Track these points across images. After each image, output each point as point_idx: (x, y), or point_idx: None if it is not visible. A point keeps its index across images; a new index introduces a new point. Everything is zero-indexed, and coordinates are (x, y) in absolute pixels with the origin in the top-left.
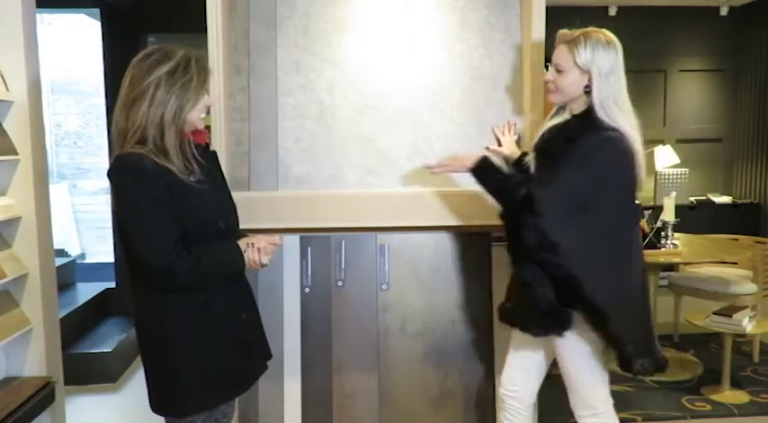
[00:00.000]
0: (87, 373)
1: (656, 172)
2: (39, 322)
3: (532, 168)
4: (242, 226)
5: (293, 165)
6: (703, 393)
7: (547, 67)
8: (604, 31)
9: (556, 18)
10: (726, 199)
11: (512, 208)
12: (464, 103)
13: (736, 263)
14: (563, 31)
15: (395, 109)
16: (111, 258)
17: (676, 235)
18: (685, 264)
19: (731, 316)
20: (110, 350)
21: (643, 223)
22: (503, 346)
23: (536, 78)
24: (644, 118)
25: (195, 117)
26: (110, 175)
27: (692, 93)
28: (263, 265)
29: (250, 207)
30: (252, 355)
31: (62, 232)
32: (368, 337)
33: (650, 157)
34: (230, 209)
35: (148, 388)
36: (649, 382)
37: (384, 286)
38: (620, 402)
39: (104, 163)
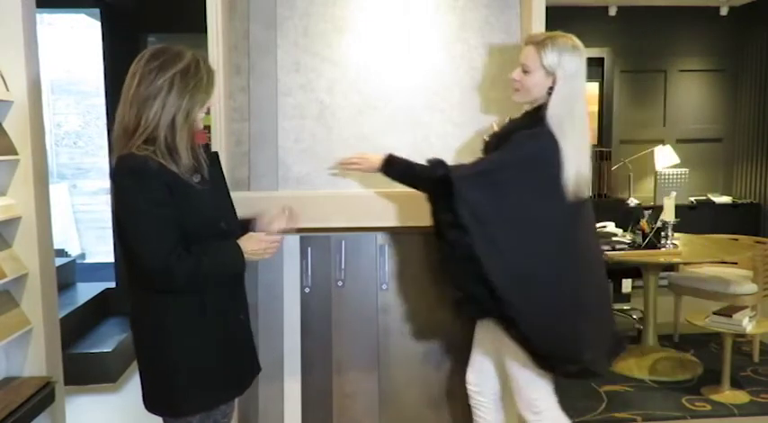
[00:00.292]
0: (87, 373)
1: (656, 172)
2: (39, 322)
3: None
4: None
5: (293, 165)
6: (703, 393)
7: None
8: (571, 36)
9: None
10: (726, 199)
11: (431, 190)
12: (464, 103)
13: (736, 263)
14: (531, 33)
15: (395, 109)
16: (111, 258)
17: (676, 235)
18: (685, 264)
19: (731, 316)
20: (110, 350)
21: (643, 223)
22: None
23: None
24: (644, 118)
25: (200, 118)
26: (113, 175)
27: (692, 93)
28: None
29: (250, 207)
30: (249, 355)
31: (62, 232)
32: (368, 337)
33: (650, 157)
34: (230, 209)
35: (144, 388)
36: (649, 382)
37: (384, 286)
38: (620, 402)
39: (104, 163)
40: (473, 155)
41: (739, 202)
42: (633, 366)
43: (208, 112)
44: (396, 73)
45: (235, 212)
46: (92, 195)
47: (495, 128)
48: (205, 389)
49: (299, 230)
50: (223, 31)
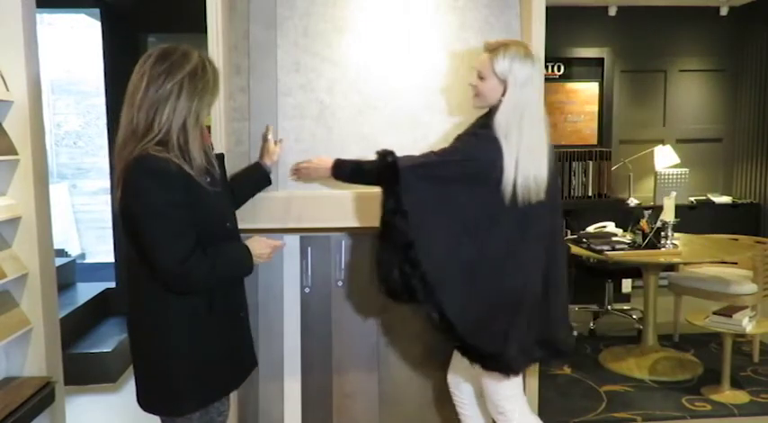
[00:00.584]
0: (87, 373)
1: (656, 172)
2: (39, 322)
3: None
4: (242, 226)
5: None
6: (703, 393)
7: (547, 68)
8: (525, 44)
9: (556, 18)
10: (726, 199)
11: (379, 180)
12: (464, 104)
13: (736, 263)
14: (487, 41)
15: (395, 109)
16: (111, 258)
17: (676, 235)
18: (685, 264)
19: (731, 316)
20: (110, 350)
21: (643, 223)
22: None
23: None
24: (644, 118)
25: (207, 117)
26: (127, 176)
27: (692, 93)
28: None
29: (250, 207)
30: (247, 351)
31: (62, 232)
32: (368, 337)
33: (650, 157)
34: (232, 209)
35: (140, 386)
36: (649, 382)
37: None
38: (620, 402)
39: (104, 163)
40: None
41: (739, 202)
42: (633, 366)
43: (208, 112)
44: (396, 73)
45: (234, 212)
46: (92, 195)
47: None
48: (205, 386)
49: (300, 230)
50: (223, 31)
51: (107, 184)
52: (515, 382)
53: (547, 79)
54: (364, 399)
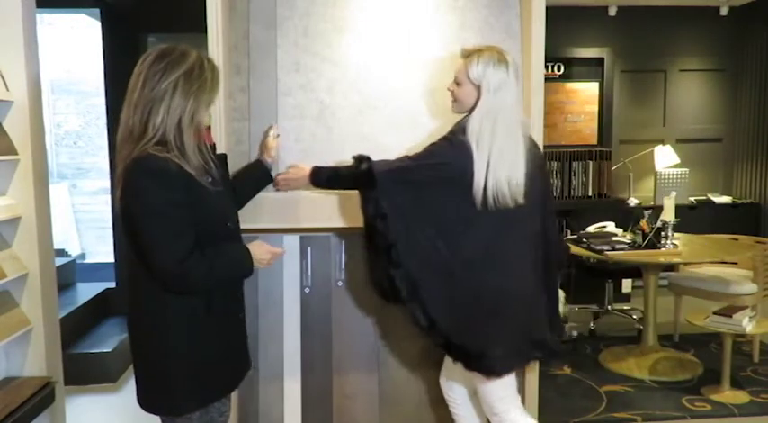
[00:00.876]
0: (87, 373)
1: (656, 172)
2: (39, 322)
3: None
4: (242, 226)
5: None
6: (703, 393)
7: (547, 68)
8: (500, 49)
9: (556, 18)
10: (726, 199)
11: (357, 186)
12: None
13: (736, 263)
14: (464, 47)
15: (395, 109)
16: (111, 258)
17: (676, 235)
18: (685, 264)
19: (731, 316)
20: (110, 350)
21: (643, 223)
22: None
23: (536, 78)
24: (644, 118)
25: (206, 117)
26: (127, 175)
27: (692, 93)
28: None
29: (251, 207)
30: (244, 352)
31: (62, 232)
32: (368, 337)
33: (650, 157)
34: (234, 209)
35: (139, 386)
36: (649, 382)
37: None
38: (620, 402)
39: (104, 163)
40: None
41: (739, 202)
42: (633, 366)
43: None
44: (396, 73)
45: (236, 213)
46: (92, 195)
47: None
48: (204, 387)
49: (299, 230)
50: (223, 31)
51: (107, 184)
52: (508, 382)
53: (547, 79)
54: (364, 399)
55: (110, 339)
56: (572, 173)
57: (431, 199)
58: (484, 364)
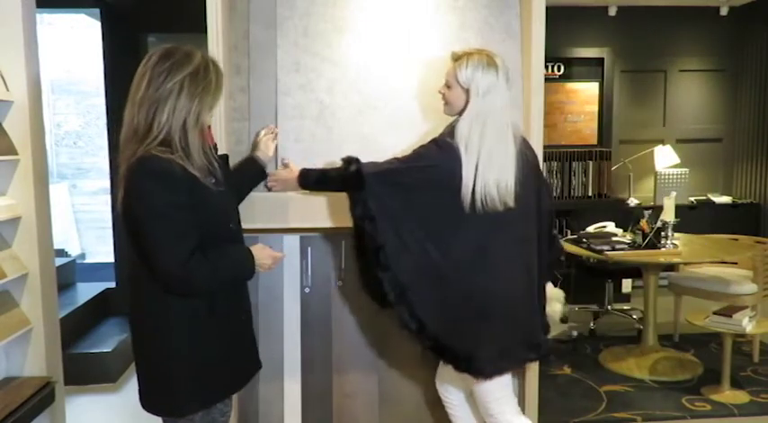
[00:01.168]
0: (87, 373)
1: (656, 172)
2: (39, 322)
3: None
4: (243, 226)
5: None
6: (703, 393)
7: (546, 68)
8: (490, 53)
9: (556, 18)
10: (726, 199)
11: (345, 188)
12: None
13: (736, 263)
14: (454, 51)
15: (395, 109)
16: (111, 258)
17: (676, 235)
18: (685, 264)
19: (731, 316)
20: (110, 350)
21: (643, 223)
22: None
23: (536, 78)
24: (644, 118)
25: (209, 118)
26: (130, 176)
27: (692, 93)
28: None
29: (250, 207)
30: (250, 352)
31: (62, 232)
32: (368, 337)
33: (650, 157)
34: (237, 211)
35: (142, 387)
36: (649, 382)
37: None
38: (620, 402)
39: (104, 163)
40: None
41: (739, 202)
42: (633, 366)
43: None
44: (396, 73)
45: (239, 214)
46: (92, 195)
47: None
48: (206, 388)
49: (300, 230)
50: (223, 31)
51: (107, 184)
52: (504, 383)
53: (547, 79)
54: (364, 398)
55: (110, 339)
56: (572, 173)
57: (419, 201)
58: (473, 365)
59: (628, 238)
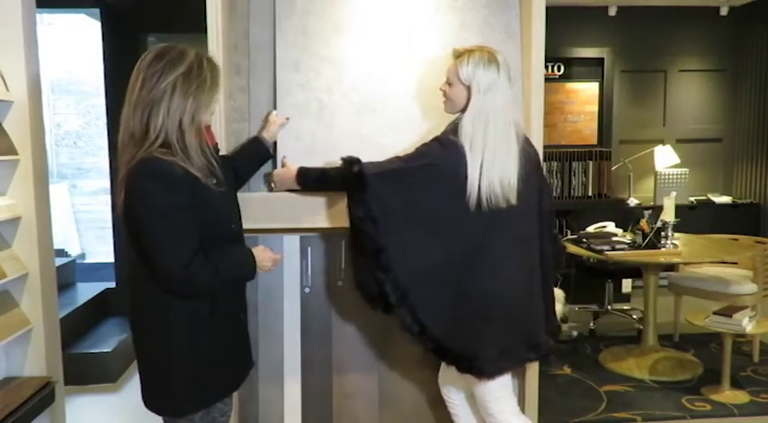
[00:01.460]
0: (87, 373)
1: (656, 172)
2: (39, 322)
3: None
4: (243, 226)
5: (293, 164)
6: (703, 393)
7: (547, 68)
8: (491, 49)
9: (556, 18)
10: (726, 199)
11: (346, 188)
12: None
13: (736, 263)
14: (455, 48)
15: (394, 109)
16: (111, 258)
17: (676, 235)
18: (685, 264)
19: (731, 316)
20: (110, 350)
21: (643, 223)
22: None
23: (536, 78)
24: (644, 118)
25: (207, 116)
26: (131, 178)
27: (692, 93)
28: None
29: (250, 207)
30: (246, 351)
31: (62, 232)
32: (368, 337)
33: (650, 157)
34: (238, 211)
35: (143, 387)
36: (649, 382)
37: None
38: (620, 402)
39: (104, 163)
40: None
41: (739, 202)
42: (633, 366)
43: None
44: (395, 73)
45: (240, 213)
46: (92, 195)
47: None
48: (206, 388)
49: (299, 230)
50: (223, 31)
51: (107, 184)
52: (504, 383)
53: (547, 79)
54: (364, 399)
55: (110, 339)
56: (572, 173)
57: (421, 200)
58: (475, 365)
59: (628, 238)
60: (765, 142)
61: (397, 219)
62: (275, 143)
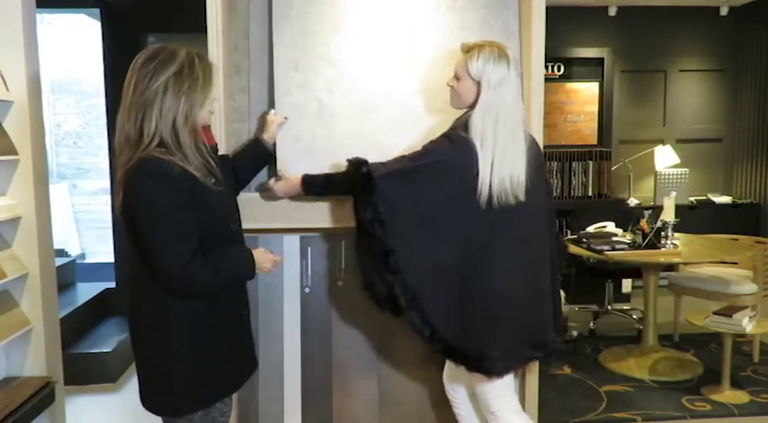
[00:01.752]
0: (87, 373)
1: (656, 172)
2: (39, 322)
3: None
4: (243, 226)
5: (293, 164)
6: (703, 393)
7: (547, 68)
8: (500, 45)
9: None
10: (726, 199)
11: (353, 190)
12: None
13: (736, 263)
14: (464, 42)
15: (394, 109)
16: (111, 258)
17: (676, 235)
18: (685, 264)
19: (731, 316)
20: (110, 350)
21: (643, 223)
22: None
23: (536, 78)
24: (644, 118)
25: (205, 114)
26: (130, 178)
27: (692, 93)
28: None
29: (250, 207)
30: (249, 351)
31: (62, 232)
32: (368, 337)
33: (650, 157)
34: (237, 211)
35: (142, 387)
36: (649, 382)
37: None
38: (620, 402)
39: (104, 163)
40: None
41: (739, 202)
42: (633, 366)
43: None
44: (395, 73)
45: (239, 213)
46: (92, 195)
47: None
48: (205, 388)
49: (299, 230)
50: (223, 31)
51: (107, 184)
52: (505, 382)
53: (547, 79)
54: (364, 398)
55: (110, 339)
56: (572, 173)
57: (429, 199)
58: (483, 365)
59: (628, 238)
60: (765, 142)
61: (404, 219)
62: (275, 144)
